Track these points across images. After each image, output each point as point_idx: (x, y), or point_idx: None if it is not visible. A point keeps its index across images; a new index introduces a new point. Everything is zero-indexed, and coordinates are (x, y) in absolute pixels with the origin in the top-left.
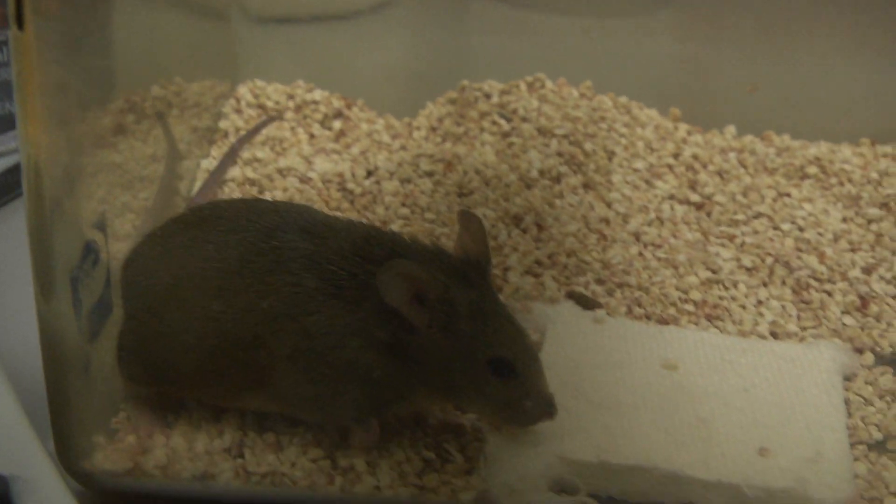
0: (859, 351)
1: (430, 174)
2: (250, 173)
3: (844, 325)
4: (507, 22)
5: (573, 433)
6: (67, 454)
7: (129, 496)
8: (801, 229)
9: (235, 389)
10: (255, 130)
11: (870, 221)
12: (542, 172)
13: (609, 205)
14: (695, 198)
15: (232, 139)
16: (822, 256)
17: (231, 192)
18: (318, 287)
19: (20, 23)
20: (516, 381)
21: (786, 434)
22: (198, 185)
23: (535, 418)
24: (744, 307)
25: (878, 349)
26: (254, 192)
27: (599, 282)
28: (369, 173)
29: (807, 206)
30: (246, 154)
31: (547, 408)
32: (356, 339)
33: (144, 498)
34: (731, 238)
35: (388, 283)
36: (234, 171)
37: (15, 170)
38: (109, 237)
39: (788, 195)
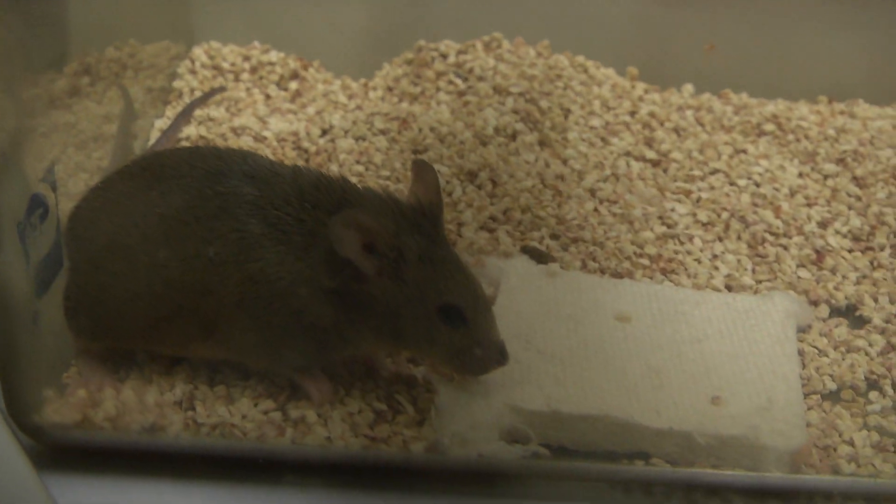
0: (814, 303)
1: (384, 132)
2: (204, 132)
3: (800, 278)
4: None
5: (524, 383)
6: (17, 408)
7: (80, 449)
8: (757, 185)
9: (184, 339)
10: (206, 97)
11: (826, 177)
12: (497, 130)
13: (565, 161)
14: (651, 154)
15: (186, 100)
16: (777, 211)
17: None
18: (263, 233)
19: None
20: (466, 329)
21: (738, 383)
22: (151, 143)
23: (485, 366)
24: (699, 261)
25: (833, 301)
26: None
27: (554, 237)
28: (324, 132)
29: (763, 162)
30: (199, 113)
31: (498, 356)
32: (304, 286)
33: (95, 451)
34: (688, 194)
35: (339, 233)
36: (189, 130)
37: None
38: (60, 194)
39: (745, 152)
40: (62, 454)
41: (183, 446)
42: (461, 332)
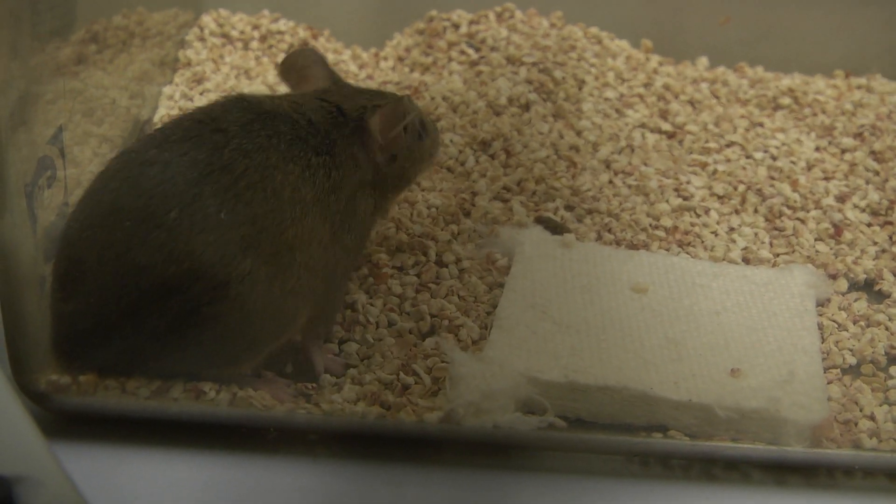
0: (833, 277)
1: None
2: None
3: (818, 251)
4: None
5: (541, 354)
6: (23, 374)
7: (85, 417)
8: (773, 158)
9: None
10: None
11: (843, 151)
12: (510, 100)
13: (579, 133)
14: (666, 127)
15: (195, 68)
16: (795, 184)
17: None
18: (318, 161)
19: None
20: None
21: (758, 356)
22: (160, 111)
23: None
24: (716, 234)
25: (852, 276)
26: None
27: (568, 208)
28: None
29: (780, 135)
30: (209, 84)
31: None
32: (360, 187)
33: (100, 418)
34: (703, 166)
35: (390, 120)
36: (198, 101)
37: None
38: (68, 161)
39: (761, 125)
40: (67, 421)
41: (190, 414)
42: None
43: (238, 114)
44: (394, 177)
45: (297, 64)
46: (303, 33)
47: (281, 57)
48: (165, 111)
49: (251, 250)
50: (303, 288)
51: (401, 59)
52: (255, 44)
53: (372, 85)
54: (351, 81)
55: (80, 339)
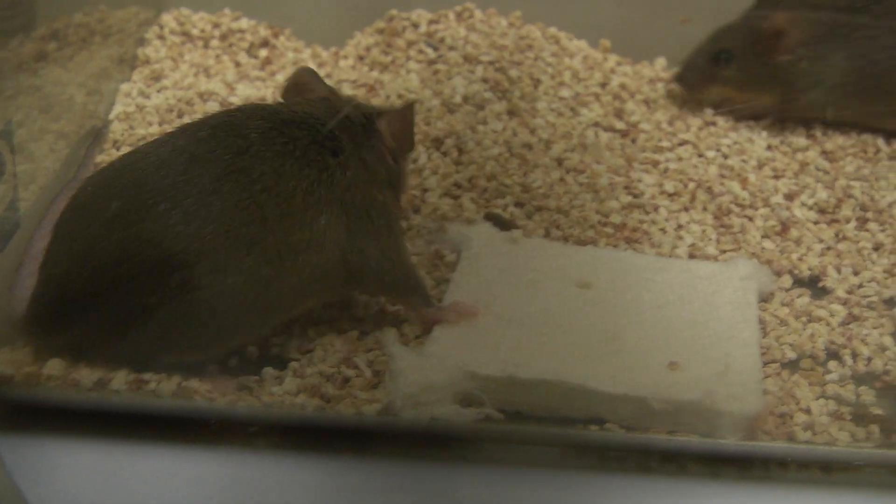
0: (778, 274)
1: None
2: (172, 100)
3: (764, 248)
4: None
5: (480, 348)
6: None
7: (29, 407)
8: (725, 156)
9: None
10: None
11: (795, 150)
12: (465, 98)
13: (532, 131)
14: (620, 125)
15: (154, 66)
16: (744, 182)
17: (152, 118)
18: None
19: None
20: None
21: (696, 349)
22: (117, 108)
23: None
24: (664, 231)
25: (797, 272)
26: (172, 117)
27: (518, 204)
28: None
29: (732, 134)
30: (167, 82)
31: None
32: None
33: (45, 409)
34: (655, 164)
35: (399, 126)
36: (156, 99)
37: None
38: (24, 156)
39: (714, 124)
40: (9, 412)
41: (131, 405)
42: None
43: (259, 121)
44: (400, 176)
45: (299, 82)
46: (264, 32)
47: (241, 55)
48: (122, 108)
49: (255, 248)
50: (305, 285)
51: (361, 58)
52: (215, 42)
53: (329, 83)
54: None
55: (66, 304)
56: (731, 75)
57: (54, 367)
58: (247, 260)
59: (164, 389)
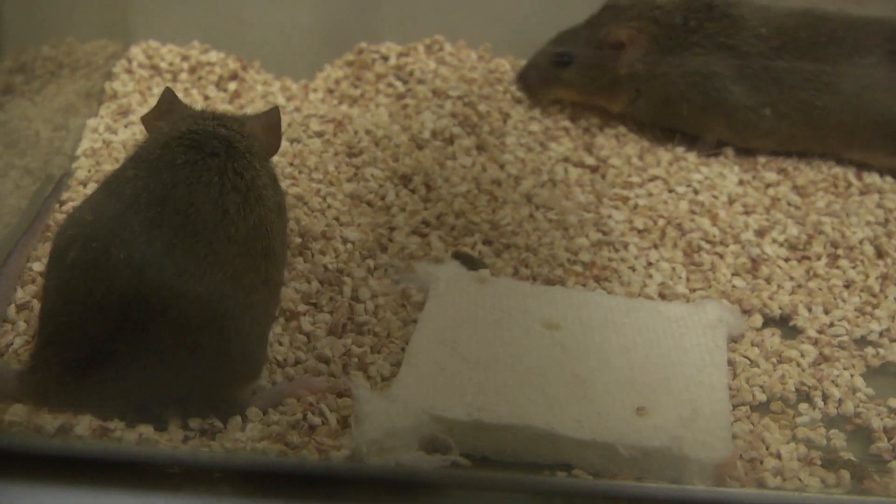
0: (748, 312)
1: (319, 134)
2: (139, 135)
3: (734, 286)
4: None
5: (446, 391)
6: None
7: None
8: (695, 192)
9: None
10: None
11: (767, 186)
12: (434, 133)
13: (502, 166)
14: (590, 160)
15: (121, 100)
16: (715, 219)
17: (119, 154)
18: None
19: None
20: None
21: (664, 393)
22: (84, 144)
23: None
24: (633, 269)
25: (767, 311)
26: None
27: (487, 242)
28: None
29: (703, 169)
30: (134, 117)
31: None
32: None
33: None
34: (625, 200)
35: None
36: (123, 135)
37: None
38: None
39: (684, 159)
40: None
41: (93, 451)
42: None
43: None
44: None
45: (164, 104)
46: (232, 65)
47: (210, 88)
48: (89, 144)
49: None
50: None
51: (330, 91)
52: (184, 75)
53: (297, 118)
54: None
55: (79, 360)
56: (571, 78)
57: (16, 412)
58: (239, 279)
59: (128, 437)
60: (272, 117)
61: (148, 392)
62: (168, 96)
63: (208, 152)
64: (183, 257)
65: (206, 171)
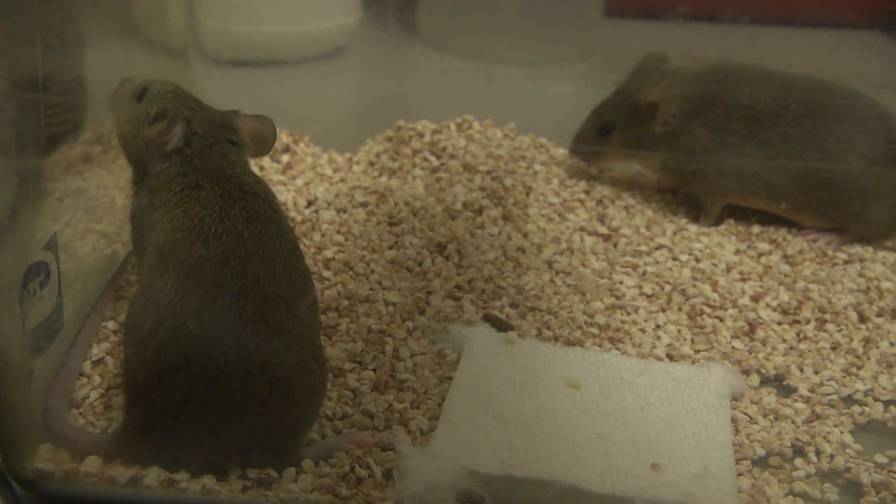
0: (746, 373)
1: (364, 205)
2: None
3: (734, 348)
4: (443, 67)
5: (480, 448)
6: (12, 462)
7: (68, 501)
8: (697, 260)
9: None
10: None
11: (760, 255)
12: (465, 205)
13: (525, 235)
14: (603, 230)
15: None
16: (715, 285)
17: None
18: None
19: None
20: None
21: (676, 450)
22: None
23: None
24: (643, 331)
25: (763, 371)
26: None
27: (513, 305)
28: (309, 203)
29: (704, 239)
30: None
31: None
32: None
33: (86, 502)
34: (634, 267)
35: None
36: None
37: None
38: (69, 255)
39: (686, 229)
40: None
41: (159, 500)
42: None
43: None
44: None
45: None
46: (286, 139)
47: (265, 160)
48: None
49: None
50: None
51: (371, 164)
52: None
53: (343, 189)
54: (324, 185)
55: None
56: (616, 143)
57: (91, 464)
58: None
59: (192, 488)
60: (268, 126)
61: (228, 446)
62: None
63: (264, 219)
64: (278, 311)
65: (268, 238)
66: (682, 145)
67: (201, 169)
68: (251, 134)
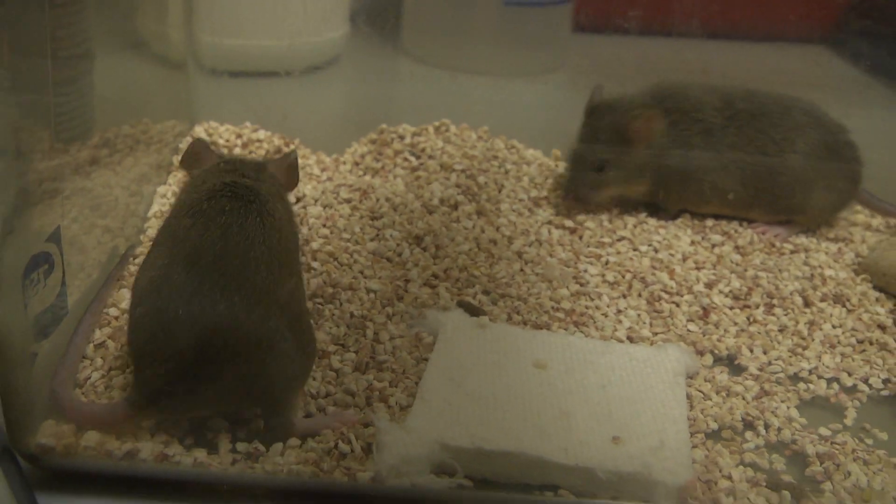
0: (700, 353)
1: (348, 201)
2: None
3: (689, 331)
4: (423, 78)
5: (453, 423)
6: (17, 438)
7: (70, 473)
8: (656, 250)
9: None
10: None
11: (713, 245)
12: (442, 200)
13: (497, 228)
14: (569, 224)
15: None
16: (672, 273)
17: None
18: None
19: None
20: None
21: (635, 425)
22: (154, 208)
23: None
24: (606, 315)
25: (716, 352)
26: None
27: (485, 292)
28: (298, 199)
29: (662, 231)
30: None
31: None
32: None
33: (82, 475)
34: (598, 257)
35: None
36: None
37: None
38: (76, 248)
39: (646, 223)
40: (54, 477)
41: (154, 471)
42: None
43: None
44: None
45: (194, 152)
46: (277, 141)
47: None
48: (158, 207)
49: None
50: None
51: (356, 164)
52: (237, 149)
53: (329, 187)
54: (312, 183)
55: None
56: (613, 176)
57: (90, 439)
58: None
59: (184, 461)
60: (290, 160)
61: (223, 395)
62: (198, 146)
63: (246, 200)
64: (249, 281)
65: (248, 214)
66: (662, 162)
67: None
68: (280, 172)
